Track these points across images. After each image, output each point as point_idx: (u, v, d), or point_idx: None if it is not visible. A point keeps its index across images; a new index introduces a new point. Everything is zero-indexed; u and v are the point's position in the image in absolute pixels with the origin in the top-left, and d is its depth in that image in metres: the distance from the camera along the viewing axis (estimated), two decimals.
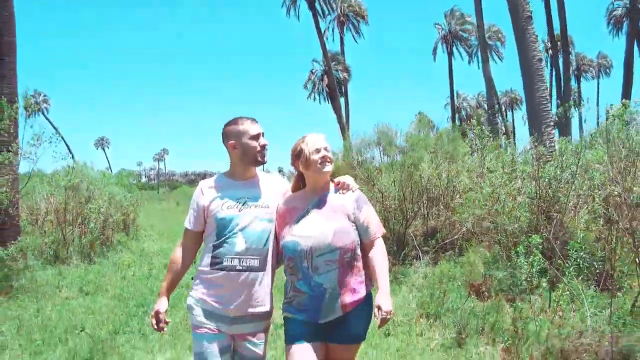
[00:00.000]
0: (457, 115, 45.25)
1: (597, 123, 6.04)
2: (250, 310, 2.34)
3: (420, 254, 7.28)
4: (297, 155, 2.44)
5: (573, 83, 35.15)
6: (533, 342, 3.85)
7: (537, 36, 9.40)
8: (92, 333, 4.79)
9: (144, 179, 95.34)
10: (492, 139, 7.95)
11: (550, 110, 9.52)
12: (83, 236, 9.05)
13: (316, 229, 2.31)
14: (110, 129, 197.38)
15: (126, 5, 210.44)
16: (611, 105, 5.34)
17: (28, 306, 5.80)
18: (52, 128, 25.79)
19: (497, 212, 6.06)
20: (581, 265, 4.52)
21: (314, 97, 34.72)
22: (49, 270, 7.53)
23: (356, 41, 36.90)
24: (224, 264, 2.32)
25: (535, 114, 9.30)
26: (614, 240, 5.30)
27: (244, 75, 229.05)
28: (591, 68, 49.68)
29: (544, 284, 5.07)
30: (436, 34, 39.81)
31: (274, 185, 2.54)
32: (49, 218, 9.33)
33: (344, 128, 25.44)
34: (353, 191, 2.45)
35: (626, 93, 23.26)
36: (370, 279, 2.40)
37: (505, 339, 4.13)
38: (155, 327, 2.38)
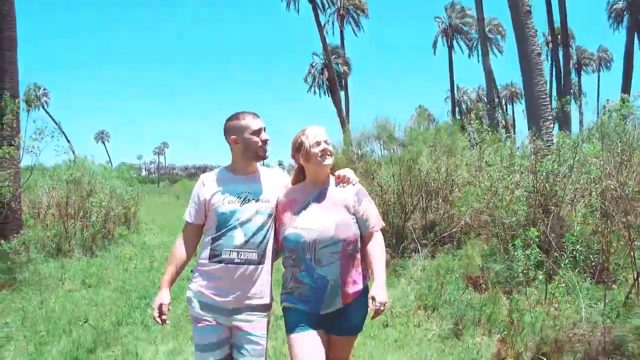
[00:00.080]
0: (457, 109, 45.23)
1: (598, 117, 6.09)
2: (249, 302, 2.37)
3: (419, 247, 7.35)
4: (298, 148, 2.45)
5: (573, 77, 35.17)
6: (528, 332, 3.92)
7: (536, 30, 9.41)
8: (95, 324, 4.86)
9: (144, 173, 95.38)
10: (490, 133, 7.99)
11: (549, 104, 9.56)
12: (85, 229, 9.14)
13: (318, 222, 2.32)
14: (110, 122, 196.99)
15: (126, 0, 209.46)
16: (608, 100, 5.38)
17: (32, 298, 5.88)
18: (52, 122, 25.83)
19: (495, 205, 6.12)
20: (577, 258, 4.59)
21: (314, 90, 34.72)
22: (51, 263, 7.59)
23: (356, 35, 36.85)
24: (223, 256, 2.34)
25: (534, 108, 9.34)
26: (610, 233, 5.36)
27: (243, 69, 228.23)
28: (592, 62, 49.58)
29: (540, 277, 5.14)
30: (436, 28, 39.80)
31: (275, 180, 2.55)
32: (50, 212, 9.41)
33: (344, 122, 25.47)
34: (353, 184, 2.47)
35: (626, 86, 23.30)
36: (368, 271, 2.43)
37: (501, 329, 4.20)
38: (158, 319, 2.38)
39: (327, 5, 32.46)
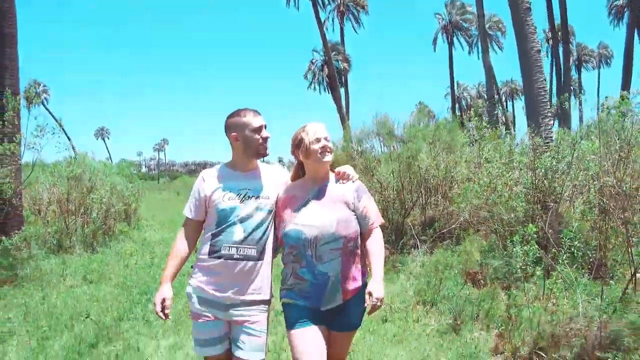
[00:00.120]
0: (457, 105, 45.23)
1: (598, 113, 6.11)
2: (248, 297, 2.38)
3: (418, 243, 7.39)
4: (297, 145, 2.45)
5: (573, 73, 35.12)
6: (525, 327, 3.97)
7: (535, 27, 9.42)
8: (97, 319, 4.91)
9: (144, 169, 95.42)
10: (490, 129, 8.01)
11: (549, 101, 9.58)
12: (85, 226, 9.18)
13: (319, 219, 2.33)
14: (110, 119, 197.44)
15: None
16: (606, 97, 5.41)
17: (34, 294, 5.92)
18: (52, 118, 25.82)
19: (494, 202, 6.15)
20: (575, 254, 4.63)
21: (314, 87, 34.78)
22: (52, 260, 7.64)
23: (356, 31, 36.91)
24: (222, 252, 2.36)
25: (533, 105, 9.36)
26: (608, 229, 5.39)
27: (243, 66, 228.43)
28: (592, 58, 49.59)
29: (538, 273, 5.18)
30: (436, 24, 39.76)
31: (275, 176, 2.56)
32: (51, 208, 9.44)
33: (343, 118, 25.45)
34: (353, 181, 2.47)
35: (626, 83, 23.30)
36: (367, 267, 2.45)
37: (499, 324, 4.24)
38: (161, 314, 2.38)
39: (327, 2, 32.43)
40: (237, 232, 2.36)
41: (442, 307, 5.04)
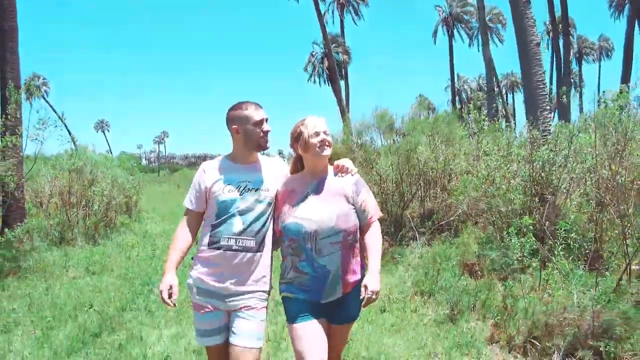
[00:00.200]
0: (457, 98, 45.16)
1: (594, 106, 6.15)
2: (247, 288, 2.40)
3: (417, 235, 7.46)
4: (296, 138, 2.44)
5: (574, 66, 35.01)
6: (521, 317, 4.05)
7: (535, 20, 9.42)
8: (100, 310, 4.99)
9: (144, 162, 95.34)
10: (488, 122, 8.05)
11: (547, 94, 9.60)
12: (87, 218, 9.26)
13: (319, 213, 2.34)
14: (110, 111, 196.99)
15: None
16: (604, 91, 5.45)
17: (37, 285, 6.00)
18: (52, 111, 25.87)
19: (492, 194, 6.21)
20: (572, 246, 4.70)
21: (314, 79, 34.67)
22: (55, 251, 7.71)
23: (356, 23, 36.78)
24: (221, 243, 2.38)
25: (532, 98, 9.38)
26: (604, 222, 5.45)
27: (243, 58, 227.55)
28: (593, 51, 49.41)
29: (534, 264, 5.25)
30: (437, 16, 39.56)
31: (275, 169, 2.58)
32: (53, 200, 9.51)
33: (343, 111, 25.41)
34: (352, 175, 2.48)
35: (626, 76, 23.26)
36: (365, 260, 2.47)
37: (495, 314, 4.33)
38: (168, 300, 2.38)
39: None
40: (237, 224, 2.38)
41: (439, 298, 5.12)
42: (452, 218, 7.63)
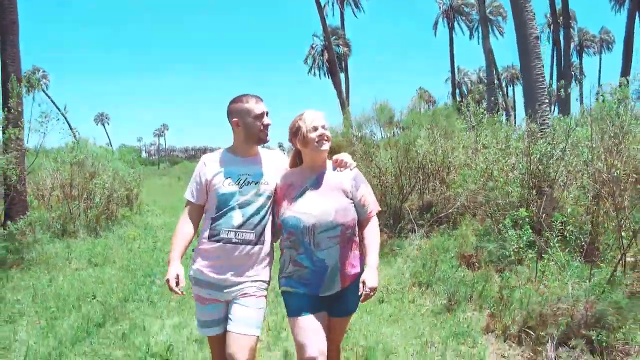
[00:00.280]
0: (457, 90, 45.08)
1: (597, 99, 6.19)
2: (246, 280, 2.43)
3: (416, 227, 7.53)
4: (295, 132, 2.45)
5: (575, 58, 34.92)
6: (516, 307, 4.12)
7: (534, 13, 9.40)
8: (103, 301, 5.07)
9: (144, 155, 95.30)
10: (487, 115, 8.09)
11: (546, 88, 9.61)
12: (89, 210, 9.33)
13: (317, 207, 2.35)
14: (110, 104, 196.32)
15: None
16: (600, 85, 5.49)
17: (40, 277, 6.08)
18: (52, 104, 25.82)
19: (491, 187, 6.27)
20: (568, 238, 4.77)
21: (314, 72, 34.65)
22: (57, 244, 7.79)
23: (356, 16, 36.70)
24: (221, 236, 2.40)
25: (531, 91, 9.38)
26: (600, 214, 5.52)
27: (243, 51, 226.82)
28: (593, 43, 49.26)
29: (531, 256, 5.33)
30: (437, 9, 39.40)
31: (275, 162, 2.60)
32: (55, 193, 9.59)
33: (344, 103, 25.39)
34: (351, 169, 2.49)
35: (626, 68, 23.21)
36: (364, 255, 2.50)
37: (491, 305, 4.41)
38: (176, 289, 2.37)
39: None
40: (236, 217, 2.41)
41: (437, 289, 5.20)
42: (450, 210, 7.70)
